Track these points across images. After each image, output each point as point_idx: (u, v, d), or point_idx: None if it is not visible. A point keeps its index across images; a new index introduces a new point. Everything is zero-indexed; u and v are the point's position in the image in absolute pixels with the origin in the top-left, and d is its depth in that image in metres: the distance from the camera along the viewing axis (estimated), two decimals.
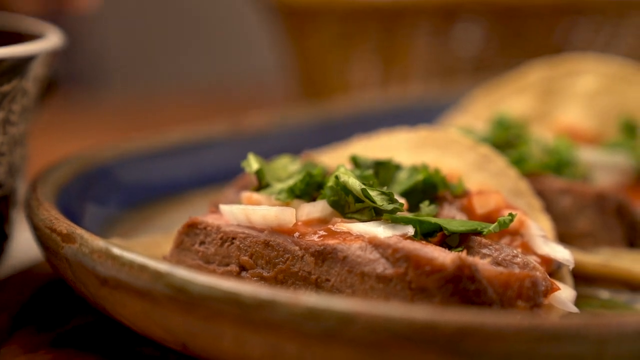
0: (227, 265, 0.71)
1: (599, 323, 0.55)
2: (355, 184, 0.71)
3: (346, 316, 0.56)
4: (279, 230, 0.70)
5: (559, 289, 0.67)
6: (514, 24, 1.48)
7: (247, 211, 0.72)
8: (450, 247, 0.69)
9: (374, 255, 0.66)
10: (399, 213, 0.70)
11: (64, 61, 0.95)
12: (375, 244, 0.66)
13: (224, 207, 0.73)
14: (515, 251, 0.68)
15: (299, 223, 0.71)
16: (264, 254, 0.70)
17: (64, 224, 0.70)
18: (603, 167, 0.93)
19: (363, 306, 0.56)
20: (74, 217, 0.79)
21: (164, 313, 0.62)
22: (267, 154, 0.86)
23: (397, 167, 0.78)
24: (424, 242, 0.68)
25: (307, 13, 1.56)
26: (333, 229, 0.70)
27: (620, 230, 0.87)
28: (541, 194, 0.85)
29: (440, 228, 0.70)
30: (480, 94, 1.11)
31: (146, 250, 0.76)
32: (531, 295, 0.64)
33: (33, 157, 0.88)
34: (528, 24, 1.48)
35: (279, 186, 0.75)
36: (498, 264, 0.67)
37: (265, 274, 0.70)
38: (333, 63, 1.57)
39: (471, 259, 0.64)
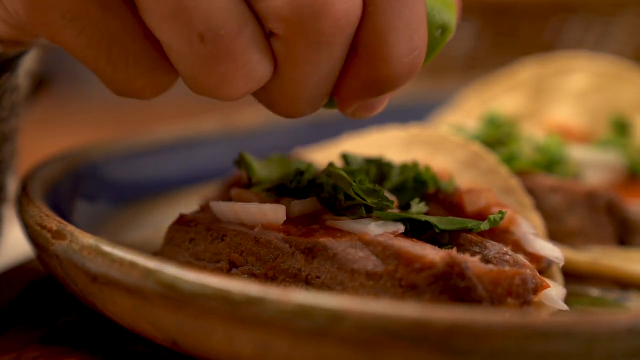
0: (218, 262, 0.71)
1: (588, 321, 0.55)
2: (345, 181, 0.71)
3: (336, 313, 0.56)
4: (269, 228, 0.70)
5: (548, 286, 0.67)
6: (506, 22, 1.48)
7: (237, 208, 0.72)
8: (440, 245, 0.69)
9: (364, 252, 0.66)
10: (389, 210, 0.70)
11: (54, 57, 0.94)
12: (365, 241, 0.66)
13: (214, 204, 0.73)
14: (505, 249, 0.68)
15: (290, 220, 0.71)
16: (254, 251, 0.70)
17: (54, 221, 0.70)
18: (594, 165, 0.93)
19: (353, 303, 0.56)
20: (64, 214, 0.79)
21: (154, 310, 0.62)
22: (257, 151, 0.86)
23: (388, 165, 0.78)
24: (414, 239, 0.68)
25: None
26: (323, 225, 0.70)
27: (611, 228, 0.87)
28: (532, 191, 0.85)
29: (430, 225, 0.70)
30: (472, 91, 1.11)
31: (136, 247, 0.75)
32: (521, 292, 0.64)
33: (23, 154, 0.88)
34: (519, 22, 1.48)
35: (269, 183, 0.75)
36: (488, 261, 0.67)
37: (255, 271, 0.70)
38: None
39: (461, 256, 0.64)
